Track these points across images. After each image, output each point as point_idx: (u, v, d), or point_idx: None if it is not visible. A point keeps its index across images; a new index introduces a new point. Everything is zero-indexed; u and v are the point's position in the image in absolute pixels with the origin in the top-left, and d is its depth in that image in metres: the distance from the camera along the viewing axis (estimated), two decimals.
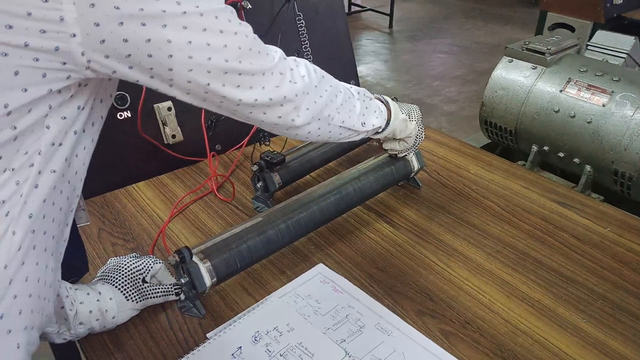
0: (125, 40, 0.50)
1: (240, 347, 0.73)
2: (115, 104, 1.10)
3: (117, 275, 0.77)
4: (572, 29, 2.35)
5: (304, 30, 1.36)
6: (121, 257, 0.81)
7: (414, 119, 0.96)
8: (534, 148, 1.36)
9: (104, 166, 1.10)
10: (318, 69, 0.75)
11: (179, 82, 0.56)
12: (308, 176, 1.15)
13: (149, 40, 0.51)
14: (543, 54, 1.36)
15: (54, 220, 0.55)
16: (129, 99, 1.11)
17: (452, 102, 3.64)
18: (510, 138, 1.43)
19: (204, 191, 1.10)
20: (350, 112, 0.79)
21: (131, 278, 0.77)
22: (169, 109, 1.15)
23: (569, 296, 0.84)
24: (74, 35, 0.48)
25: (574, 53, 1.44)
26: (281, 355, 0.72)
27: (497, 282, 0.87)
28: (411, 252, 0.94)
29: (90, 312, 0.72)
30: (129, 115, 1.12)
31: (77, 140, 0.56)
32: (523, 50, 1.40)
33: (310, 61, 1.37)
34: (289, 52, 1.31)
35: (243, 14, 1.25)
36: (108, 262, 0.82)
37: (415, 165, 1.09)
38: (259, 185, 1.05)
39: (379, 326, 0.78)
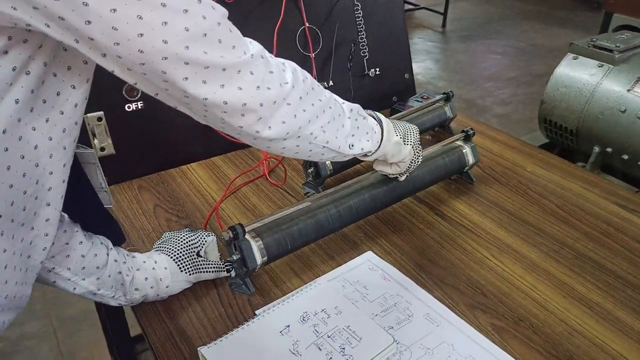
0: None
1: (289, 326, 0.73)
2: None
3: (172, 246, 0.79)
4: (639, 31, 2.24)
5: (361, 20, 1.35)
6: (177, 231, 0.83)
7: (409, 142, 0.83)
8: (596, 149, 1.30)
9: (160, 145, 1.13)
10: (310, 78, 0.65)
11: (111, 56, 0.48)
12: (359, 165, 1.14)
13: None
14: (611, 51, 1.30)
15: None
16: None
17: (505, 104, 3.54)
18: (571, 138, 1.38)
19: (256, 175, 1.12)
20: (338, 131, 0.69)
21: (186, 250, 0.79)
22: None
23: (631, 301, 0.80)
24: None
25: None
26: (329, 337, 0.72)
27: (553, 282, 0.84)
28: (462, 246, 0.92)
29: (146, 279, 0.74)
30: None
31: (27, 111, 0.50)
32: (589, 47, 1.34)
33: (365, 52, 1.38)
34: (344, 42, 1.33)
35: (302, 2, 1.26)
36: (163, 235, 0.84)
37: (470, 159, 1.07)
38: (310, 171, 1.05)
39: (427, 316, 0.77)
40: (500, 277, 0.85)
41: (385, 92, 1.41)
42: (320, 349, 0.70)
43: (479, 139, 1.26)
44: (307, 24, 1.26)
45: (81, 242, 0.68)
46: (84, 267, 0.68)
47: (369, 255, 0.89)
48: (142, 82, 0.52)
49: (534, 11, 5.54)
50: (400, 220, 0.99)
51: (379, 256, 0.89)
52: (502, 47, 4.55)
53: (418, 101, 1.37)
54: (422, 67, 4.12)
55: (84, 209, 0.68)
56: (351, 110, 0.72)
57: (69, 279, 0.68)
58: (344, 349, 0.70)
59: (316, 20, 1.28)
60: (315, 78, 1.27)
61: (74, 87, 0.54)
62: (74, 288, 0.69)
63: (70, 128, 0.55)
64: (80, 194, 0.66)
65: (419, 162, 0.88)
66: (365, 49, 1.37)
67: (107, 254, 0.71)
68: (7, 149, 0.49)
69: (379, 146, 0.77)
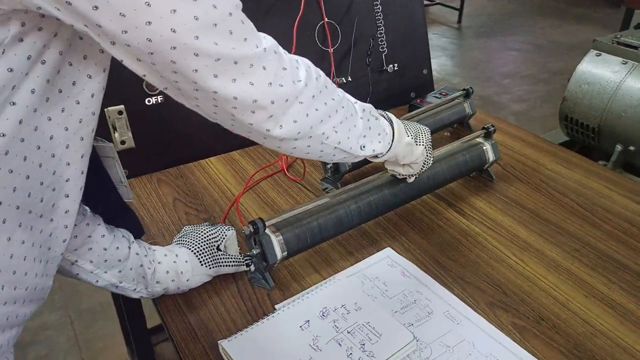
0: None
1: (308, 321, 0.73)
2: None
3: (193, 240, 0.79)
4: None
5: (380, 15, 1.35)
6: (197, 225, 0.84)
7: (421, 143, 0.82)
8: (618, 148, 1.28)
9: (179, 139, 1.13)
10: (323, 75, 0.63)
11: (120, 44, 0.47)
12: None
13: None
14: (636, 48, 1.28)
15: (15, 189, 0.49)
16: None
17: (522, 101, 3.51)
18: (592, 136, 1.36)
19: (274, 170, 1.12)
20: (350, 132, 0.67)
21: (207, 244, 0.79)
22: None
23: None
24: None
25: None
26: (348, 332, 0.72)
27: (575, 281, 0.83)
28: (483, 244, 0.91)
29: (167, 272, 0.75)
30: None
31: (43, 101, 0.49)
32: (613, 43, 1.32)
33: (384, 47, 1.37)
34: (363, 38, 1.32)
35: None
36: (183, 229, 0.85)
37: (491, 156, 1.06)
38: (329, 166, 1.05)
39: (447, 314, 0.77)
40: (522, 275, 0.84)
41: (403, 88, 1.40)
42: (340, 345, 0.70)
43: (499, 136, 1.24)
44: (326, 19, 1.26)
45: (103, 235, 0.68)
46: (106, 260, 0.69)
47: (388, 251, 0.89)
48: (152, 74, 0.51)
49: (552, 7, 5.47)
50: (420, 217, 0.98)
51: (398, 253, 0.89)
52: (519, 44, 4.50)
53: (436, 97, 1.36)
54: (437, 63, 4.10)
55: (104, 202, 0.68)
56: (363, 110, 0.71)
57: (92, 272, 0.69)
58: (364, 344, 0.70)
59: (335, 15, 1.28)
60: (333, 73, 1.28)
61: (90, 77, 0.53)
62: (97, 281, 0.70)
63: (88, 118, 0.55)
64: (100, 187, 0.66)
65: (430, 164, 0.87)
66: (384, 44, 1.36)
67: (129, 247, 0.71)
68: (23, 140, 0.48)
69: (390, 147, 0.76)
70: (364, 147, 0.71)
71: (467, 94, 1.26)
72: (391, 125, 0.76)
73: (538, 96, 3.56)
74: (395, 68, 1.38)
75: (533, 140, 1.25)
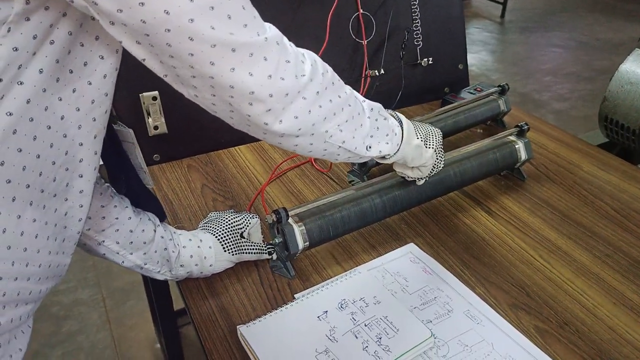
0: None
1: (327, 312, 0.74)
2: None
3: (217, 226, 0.80)
4: None
5: (416, 8, 1.33)
6: (222, 212, 0.85)
7: (431, 146, 0.79)
8: None
9: (210, 126, 1.14)
10: (330, 71, 0.61)
11: (118, 24, 0.46)
12: None
13: None
14: None
15: (24, 168, 0.49)
16: None
17: (563, 100, 3.40)
18: (633, 138, 1.31)
19: (302, 160, 1.12)
20: (356, 131, 0.65)
21: (230, 231, 0.80)
22: None
23: None
24: None
25: None
26: (366, 325, 0.72)
27: (604, 287, 0.81)
28: (509, 244, 0.89)
29: (191, 256, 0.76)
30: None
31: (52, 81, 0.49)
32: None
33: (419, 41, 1.35)
34: (398, 30, 1.31)
35: None
36: (209, 215, 0.86)
37: (523, 155, 1.03)
38: None
39: (468, 313, 0.76)
40: (547, 278, 0.82)
41: (437, 83, 1.38)
42: (356, 337, 0.70)
43: (534, 134, 1.21)
44: (361, 10, 1.25)
45: (130, 218, 0.70)
46: (131, 242, 0.71)
47: (411, 247, 0.88)
48: (151, 58, 0.49)
49: (599, 3, 5.27)
50: (446, 213, 0.97)
51: (422, 249, 0.88)
52: (564, 40, 4.36)
53: (471, 93, 1.33)
54: (477, 58, 4.01)
55: (127, 184, 0.70)
56: (371, 109, 0.68)
57: (118, 252, 0.71)
58: (380, 338, 0.70)
59: (370, 6, 1.27)
60: (366, 65, 1.27)
61: (102, 58, 0.52)
62: (122, 261, 0.72)
63: (100, 99, 0.54)
64: (122, 169, 0.68)
65: (441, 167, 0.85)
66: (419, 37, 1.34)
67: (155, 230, 0.73)
68: (32, 119, 0.48)
69: (398, 149, 0.73)
70: (370, 147, 0.68)
71: (502, 91, 1.23)
72: (400, 126, 0.74)
73: (580, 95, 3.44)
74: (430, 62, 1.36)
75: (569, 140, 1.22)
